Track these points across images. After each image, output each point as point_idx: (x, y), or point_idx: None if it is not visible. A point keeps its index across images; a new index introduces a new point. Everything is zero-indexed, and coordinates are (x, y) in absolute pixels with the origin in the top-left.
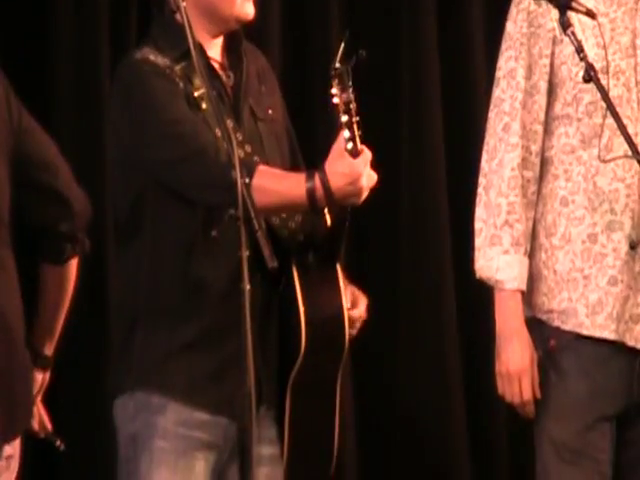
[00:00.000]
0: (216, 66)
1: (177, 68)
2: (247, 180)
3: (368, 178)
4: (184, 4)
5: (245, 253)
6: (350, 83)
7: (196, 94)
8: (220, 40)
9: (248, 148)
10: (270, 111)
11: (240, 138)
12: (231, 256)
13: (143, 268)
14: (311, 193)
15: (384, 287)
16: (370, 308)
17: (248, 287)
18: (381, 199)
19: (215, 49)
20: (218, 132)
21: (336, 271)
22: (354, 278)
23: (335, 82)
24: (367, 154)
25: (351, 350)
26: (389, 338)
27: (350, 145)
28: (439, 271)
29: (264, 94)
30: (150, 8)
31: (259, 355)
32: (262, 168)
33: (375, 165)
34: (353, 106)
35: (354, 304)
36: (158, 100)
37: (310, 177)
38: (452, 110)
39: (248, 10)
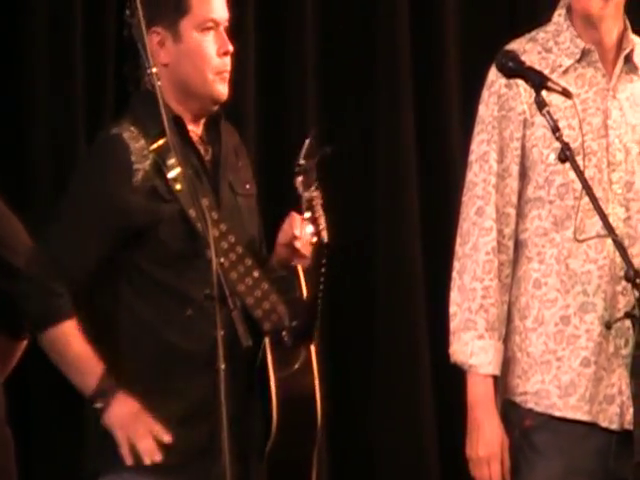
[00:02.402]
0: (195, 139)
1: (153, 148)
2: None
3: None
4: (159, 83)
5: (220, 332)
6: (314, 179)
7: (170, 176)
8: (202, 120)
9: (223, 227)
10: (247, 186)
11: (215, 217)
12: (207, 334)
13: (119, 345)
14: (100, 387)
15: (358, 361)
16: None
17: (223, 366)
18: (356, 281)
19: (196, 125)
20: (192, 212)
21: (309, 351)
22: (329, 347)
23: (299, 179)
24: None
25: (327, 417)
26: (363, 402)
27: (315, 239)
28: (414, 343)
29: (241, 169)
30: (126, 85)
31: (240, 432)
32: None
33: (351, 239)
34: (317, 202)
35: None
36: (85, 188)
37: (103, 379)
38: (428, 179)
39: (222, 90)
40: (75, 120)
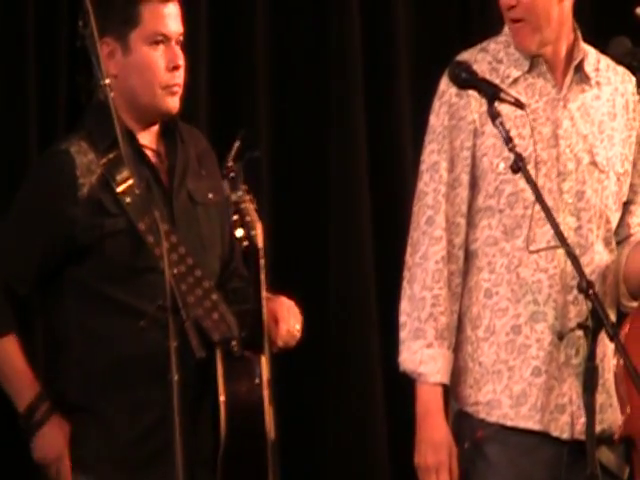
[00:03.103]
0: (149, 153)
1: (103, 161)
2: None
3: None
4: (112, 94)
5: (174, 344)
6: (241, 182)
7: (119, 189)
8: (154, 128)
9: (174, 239)
10: (210, 195)
11: (166, 229)
12: (160, 346)
13: (71, 361)
14: (30, 408)
15: (312, 383)
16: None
17: (176, 377)
18: (309, 293)
19: (149, 136)
20: (142, 226)
21: (259, 361)
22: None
23: (226, 182)
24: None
25: (281, 449)
26: (316, 412)
27: (246, 243)
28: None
29: (204, 177)
30: (79, 96)
31: (192, 441)
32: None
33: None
34: (247, 205)
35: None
36: (26, 207)
37: (40, 396)
38: (380, 188)
39: (171, 104)
40: (27, 135)
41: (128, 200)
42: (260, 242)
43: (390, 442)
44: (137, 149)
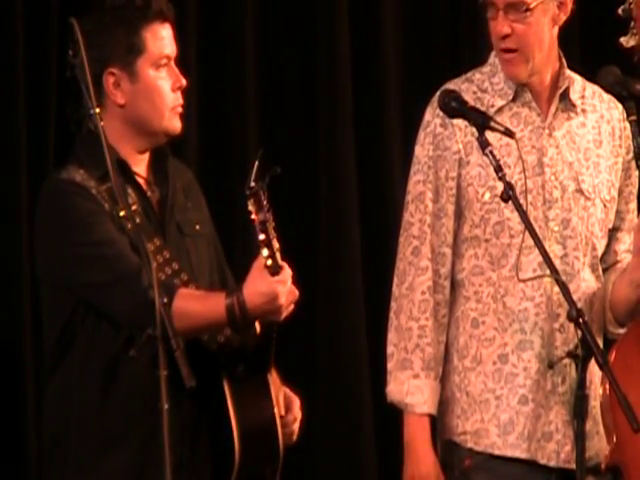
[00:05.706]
0: (141, 182)
1: (103, 189)
2: (165, 300)
3: (289, 295)
4: (102, 123)
5: (163, 372)
6: (265, 202)
7: (122, 214)
8: (146, 156)
9: (175, 265)
10: (197, 226)
11: (167, 256)
12: (150, 375)
13: (72, 387)
14: (230, 312)
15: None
16: None
17: (166, 406)
18: (298, 320)
19: (141, 165)
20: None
21: (267, 381)
22: None
23: (251, 201)
24: (287, 271)
25: None
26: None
27: (270, 262)
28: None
29: (190, 210)
30: (68, 125)
31: (191, 473)
32: (182, 290)
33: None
34: (270, 224)
35: (288, 408)
36: (83, 222)
37: (229, 296)
38: (370, 218)
39: (176, 124)
40: (17, 167)
41: (130, 226)
42: (279, 259)
43: (380, 474)
44: (131, 178)
